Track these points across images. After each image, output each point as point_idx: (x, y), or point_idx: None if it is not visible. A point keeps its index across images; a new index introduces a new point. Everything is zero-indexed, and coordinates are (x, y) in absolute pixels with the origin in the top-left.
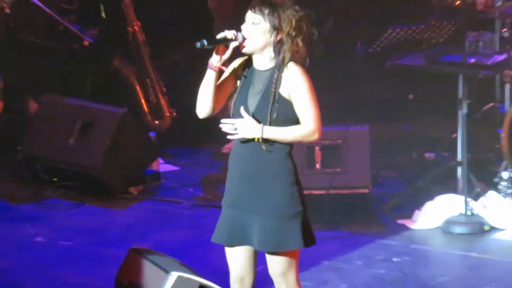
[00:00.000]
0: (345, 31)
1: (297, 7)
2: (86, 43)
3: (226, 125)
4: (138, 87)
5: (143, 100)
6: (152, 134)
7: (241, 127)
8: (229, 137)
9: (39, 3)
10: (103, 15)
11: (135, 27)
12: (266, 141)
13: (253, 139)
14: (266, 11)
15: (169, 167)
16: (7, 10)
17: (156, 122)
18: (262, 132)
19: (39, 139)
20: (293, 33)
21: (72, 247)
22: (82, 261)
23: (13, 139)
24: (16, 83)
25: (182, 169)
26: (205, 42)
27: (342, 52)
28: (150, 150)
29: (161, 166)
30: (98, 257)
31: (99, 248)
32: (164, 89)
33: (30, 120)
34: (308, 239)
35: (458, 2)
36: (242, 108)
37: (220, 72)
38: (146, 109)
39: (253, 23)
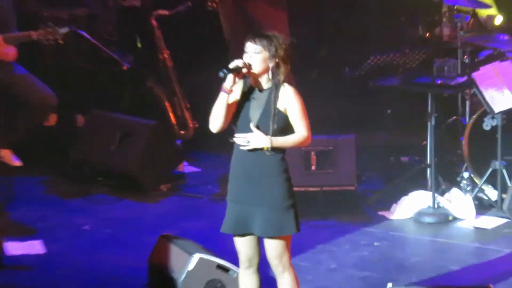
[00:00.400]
0: (336, 58)
1: (283, 36)
2: (124, 67)
3: (239, 138)
4: (167, 104)
5: (171, 114)
6: (178, 142)
7: (253, 139)
8: (242, 147)
9: (86, 35)
10: (139, 45)
11: (165, 55)
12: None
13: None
14: (265, 42)
15: (192, 169)
16: (61, 41)
17: (182, 132)
18: (271, 142)
19: (86, 146)
20: (286, 58)
21: (113, 234)
22: (121, 245)
23: (64, 145)
24: (66, 100)
25: (202, 170)
26: (225, 71)
27: (334, 75)
28: (177, 154)
29: (186, 168)
30: (134, 242)
31: (135, 235)
32: (188, 105)
33: (78, 130)
34: (299, 226)
35: (428, 34)
36: (251, 124)
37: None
38: (173, 121)
39: (255, 53)
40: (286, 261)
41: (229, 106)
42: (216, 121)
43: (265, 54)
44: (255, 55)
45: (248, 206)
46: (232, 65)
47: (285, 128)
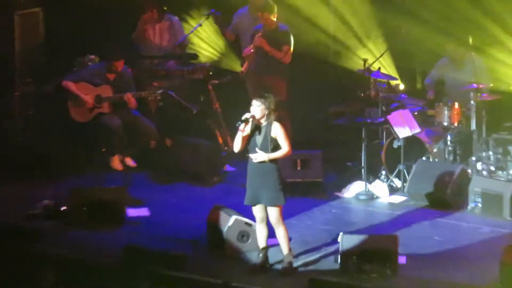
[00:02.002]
0: (311, 107)
1: (273, 96)
2: (194, 112)
3: (252, 156)
4: (217, 132)
5: (219, 138)
6: (223, 154)
7: (258, 157)
8: (253, 160)
9: (173, 94)
10: (202, 99)
11: (216, 105)
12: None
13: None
14: (262, 100)
15: (231, 169)
16: (158, 98)
17: (225, 148)
18: (268, 158)
19: (172, 156)
20: (274, 108)
21: (187, 205)
22: (191, 211)
23: (159, 156)
24: (160, 130)
25: (237, 169)
26: (239, 122)
27: (309, 117)
28: (222, 160)
29: (228, 168)
30: (199, 209)
31: (199, 205)
32: (230, 133)
33: (168, 147)
34: (285, 199)
35: (362, 94)
36: (257, 148)
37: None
38: (221, 142)
39: (257, 106)
40: (280, 220)
41: (243, 138)
42: (236, 146)
43: (262, 106)
44: (257, 107)
45: (257, 189)
46: (243, 117)
47: (278, 146)
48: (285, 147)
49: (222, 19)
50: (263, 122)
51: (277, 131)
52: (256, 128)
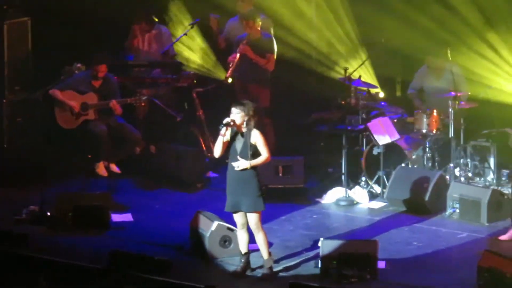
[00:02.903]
0: (292, 114)
1: (252, 103)
2: (178, 119)
3: (234, 164)
4: (201, 139)
5: (203, 145)
6: (207, 160)
7: (240, 165)
8: (236, 169)
9: (157, 101)
10: (186, 107)
11: (200, 112)
12: None
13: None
14: (241, 108)
15: (214, 175)
16: (143, 104)
17: (209, 154)
18: (250, 165)
19: (157, 162)
20: (253, 114)
21: (171, 210)
22: (175, 216)
23: (145, 162)
24: (146, 137)
25: (219, 175)
26: (222, 125)
27: (292, 123)
28: (206, 167)
29: (211, 174)
30: (182, 214)
31: (182, 210)
32: (213, 140)
33: (152, 154)
34: (264, 206)
35: (343, 102)
36: (238, 156)
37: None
38: (204, 148)
39: (236, 113)
40: (259, 226)
41: (224, 143)
42: (217, 151)
43: (242, 113)
44: (236, 114)
45: (237, 196)
46: (224, 121)
47: (257, 152)
48: (264, 153)
49: (219, 22)
50: (243, 128)
51: (257, 138)
52: (236, 134)
